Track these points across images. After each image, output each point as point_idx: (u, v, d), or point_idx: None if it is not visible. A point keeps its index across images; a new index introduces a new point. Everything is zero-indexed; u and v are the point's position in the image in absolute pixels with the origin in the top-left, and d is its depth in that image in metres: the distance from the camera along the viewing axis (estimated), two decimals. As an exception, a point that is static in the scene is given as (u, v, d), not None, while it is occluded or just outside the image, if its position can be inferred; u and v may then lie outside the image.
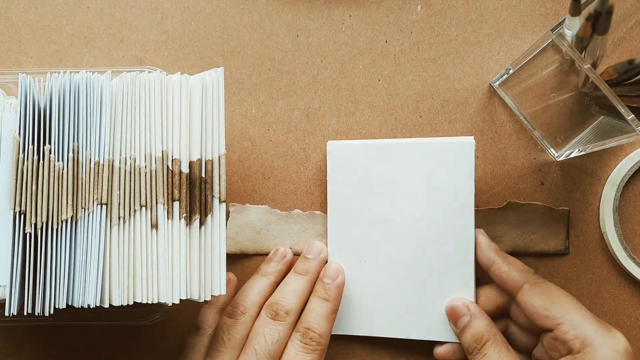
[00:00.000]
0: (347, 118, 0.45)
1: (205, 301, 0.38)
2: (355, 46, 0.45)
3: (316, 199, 0.45)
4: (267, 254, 0.44)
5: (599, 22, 0.34)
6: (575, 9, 0.34)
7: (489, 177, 0.44)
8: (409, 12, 0.45)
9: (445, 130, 0.44)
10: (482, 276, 0.42)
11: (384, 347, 0.44)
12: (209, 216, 0.37)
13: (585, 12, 0.34)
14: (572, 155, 0.42)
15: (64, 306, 0.35)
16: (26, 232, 0.35)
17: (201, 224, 0.37)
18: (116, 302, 0.35)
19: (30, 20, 0.45)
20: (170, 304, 0.36)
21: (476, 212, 0.42)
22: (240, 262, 0.45)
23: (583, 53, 0.36)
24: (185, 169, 0.37)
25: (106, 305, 0.35)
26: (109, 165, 0.36)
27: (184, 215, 0.36)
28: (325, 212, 0.44)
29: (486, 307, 0.41)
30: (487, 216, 0.44)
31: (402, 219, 0.42)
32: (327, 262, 0.43)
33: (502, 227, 0.44)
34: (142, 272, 0.36)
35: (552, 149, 0.44)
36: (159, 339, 0.45)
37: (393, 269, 0.42)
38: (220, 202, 0.37)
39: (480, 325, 0.39)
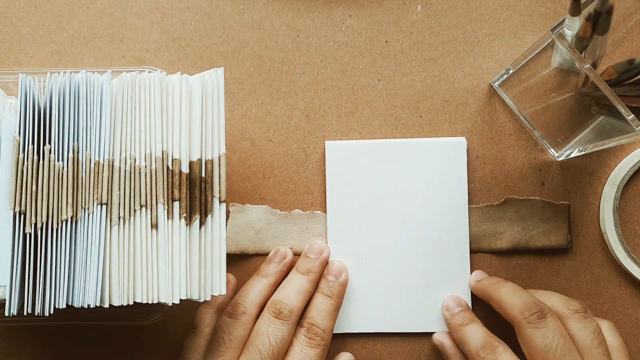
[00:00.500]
0: (347, 118, 0.45)
1: (205, 301, 0.38)
2: (355, 46, 0.45)
3: (316, 198, 0.45)
4: (267, 254, 0.44)
5: (599, 22, 0.34)
6: (575, 9, 0.34)
7: (489, 177, 0.44)
8: (409, 12, 0.45)
9: (446, 130, 0.45)
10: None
11: (384, 345, 0.44)
12: (209, 216, 0.37)
13: (585, 12, 0.34)
14: (572, 155, 0.42)
15: (64, 306, 0.35)
16: (26, 232, 0.35)
17: (201, 224, 0.37)
18: (116, 302, 0.35)
19: (30, 20, 0.45)
20: (170, 304, 0.36)
21: (475, 209, 0.44)
22: (240, 262, 0.45)
23: (583, 53, 0.36)
24: (185, 169, 0.37)
25: (106, 305, 0.35)
26: (109, 165, 0.36)
27: (184, 215, 0.36)
28: (325, 211, 0.44)
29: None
30: (486, 213, 0.44)
31: (401, 217, 0.44)
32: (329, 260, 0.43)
33: (501, 224, 0.44)
34: (142, 272, 0.36)
35: (552, 149, 0.44)
36: (159, 339, 0.45)
37: (392, 266, 0.43)
38: (220, 202, 0.37)
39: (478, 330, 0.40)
